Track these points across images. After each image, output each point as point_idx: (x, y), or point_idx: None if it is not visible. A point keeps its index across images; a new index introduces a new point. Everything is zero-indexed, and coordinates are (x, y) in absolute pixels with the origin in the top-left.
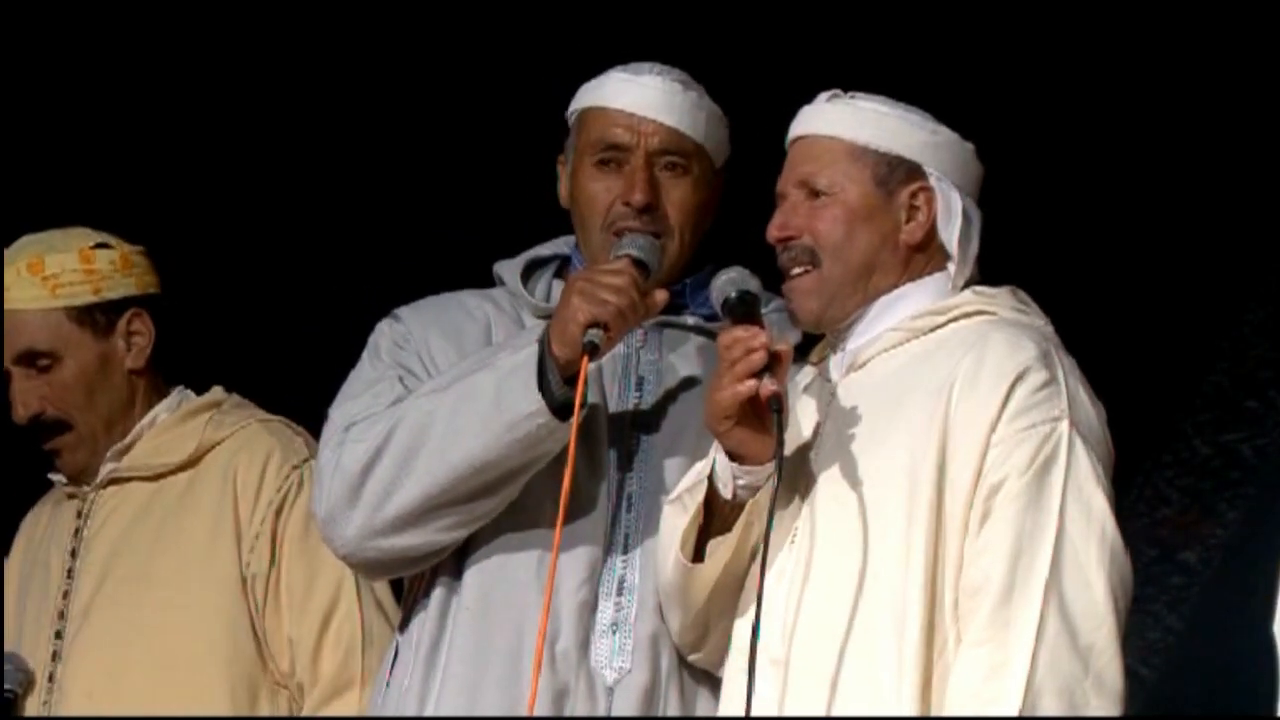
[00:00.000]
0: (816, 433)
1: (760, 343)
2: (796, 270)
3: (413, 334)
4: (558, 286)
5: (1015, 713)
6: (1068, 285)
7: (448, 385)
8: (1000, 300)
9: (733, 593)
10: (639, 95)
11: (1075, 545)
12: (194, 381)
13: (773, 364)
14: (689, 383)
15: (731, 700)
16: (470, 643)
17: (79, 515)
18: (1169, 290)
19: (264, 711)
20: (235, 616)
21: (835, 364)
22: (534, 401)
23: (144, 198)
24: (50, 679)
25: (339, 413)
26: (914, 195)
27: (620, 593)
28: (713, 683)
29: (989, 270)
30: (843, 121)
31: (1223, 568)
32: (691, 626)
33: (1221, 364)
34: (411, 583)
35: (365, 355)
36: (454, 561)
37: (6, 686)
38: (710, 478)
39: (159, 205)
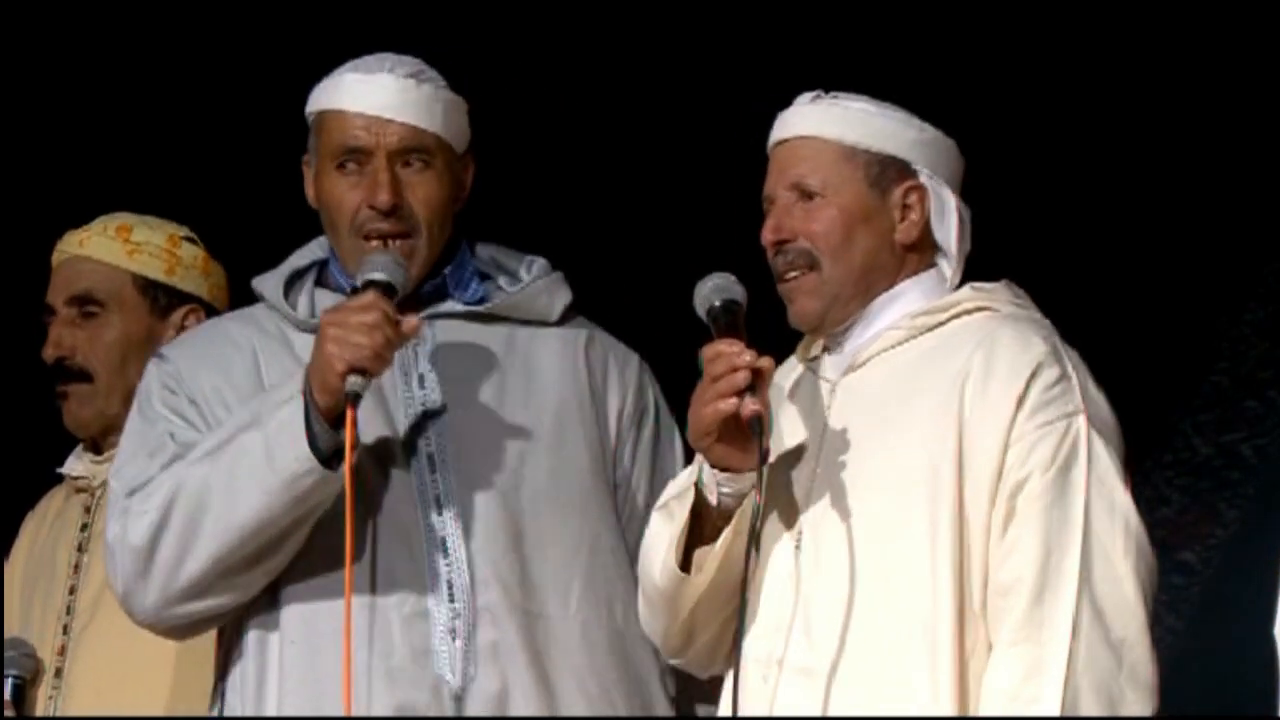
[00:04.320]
0: (817, 434)
1: (745, 361)
2: (792, 274)
3: (181, 373)
4: (320, 296)
5: (1056, 712)
6: (1068, 285)
7: (219, 448)
8: (999, 295)
9: (724, 601)
10: (374, 95)
11: (1102, 541)
12: None
13: (755, 380)
14: (473, 371)
15: (749, 709)
16: (301, 672)
17: (87, 511)
18: (1169, 289)
19: None
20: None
21: (832, 364)
22: (305, 460)
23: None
24: (57, 674)
25: (118, 481)
26: (906, 194)
27: (452, 599)
28: (580, 682)
29: (992, 270)
30: (830, 122)
31: (1223, 568)
32: (679, 632)
33: (1221, 364)
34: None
35: (136, 405)
36: (267, 597)
37: (14, 672)
38: (698, 486)
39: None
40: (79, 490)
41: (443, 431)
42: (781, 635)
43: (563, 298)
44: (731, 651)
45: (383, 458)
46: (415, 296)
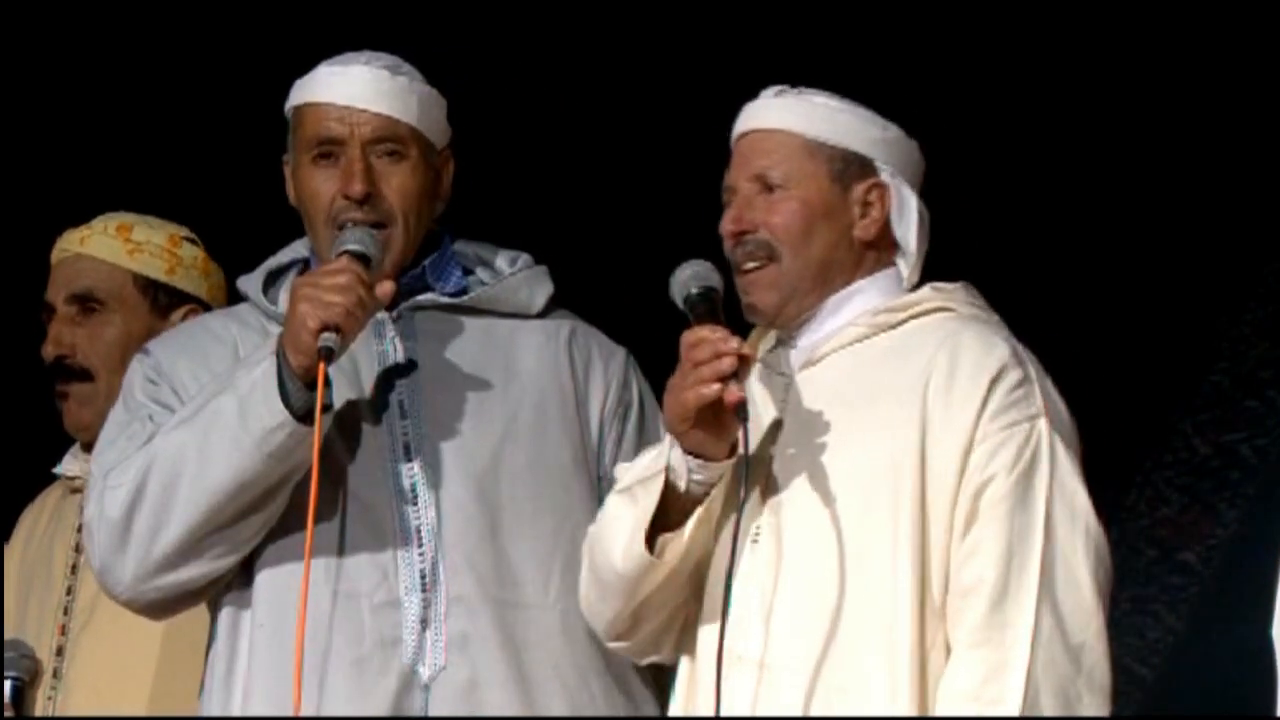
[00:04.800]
0: (773, 428)
1: (730, 347)
2: (751, 265)
3: (162, 365)
4: None
5: (1016, 712)
6: (1068, 285)
7: (194, 414)
8: (958, 296)
9: (677, 588)
10: (348, 86)
11: (1063, 545)
12: None
13: (738, 367)
14: (451, 363)
15: (698, 700)
16: (270, 658)
17: (82, 511)
18: (1168, 289)
19: None
20: None
21: (787, 358)
22: (278, 414)
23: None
24: (55, 675)
25: (96, 464)
26: (868, 191)
27: (425, 589)
28: (559, 674)
29: (993, 270)
30: (795, 116)
31: (1223, 568)
32: (628, 617)
33: (1221, 364)
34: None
35: (119, 398)
36: (242, 577)
37: (13, 673)
38: (667, 470)
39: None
40: (74, 490)
41: (419, 421)
42: (738, 629)
43: (544, 290)
44: (684, 643)
45: (358, 445)
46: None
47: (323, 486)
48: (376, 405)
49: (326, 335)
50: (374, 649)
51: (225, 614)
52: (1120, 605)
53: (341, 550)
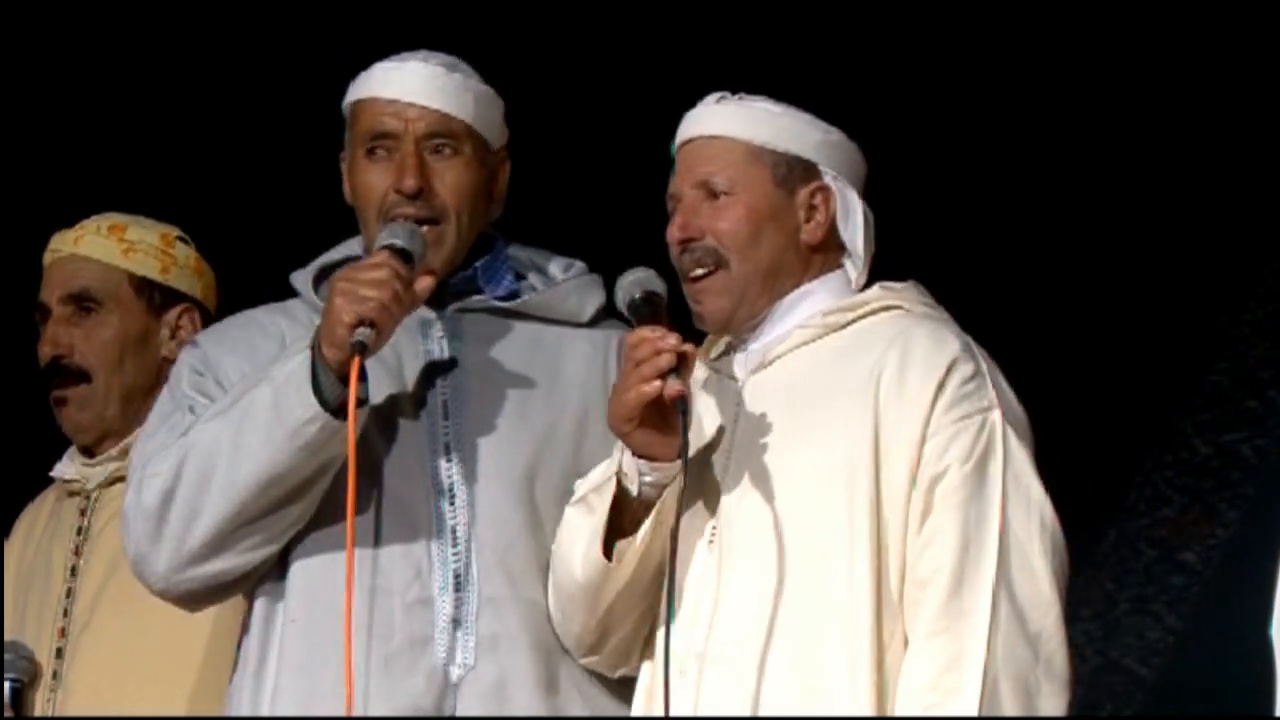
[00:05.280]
0: (725, 432)
1: (669, 344)
2: (699, 271)
3: (209, 357)
4: None
5: (975, 701)
6: (1068, 285)
7: (230, 406)
8: (908, 295)
9: (640, 594)
10: (403, 82)
11: (1019, 535)
12: None
13: (679, 365)
14: (497, 366)
15: (648, 700)
16: (300, 653)
17: (82, 514)
18: (1168, 289)
19: None
20: (240, 616)
21: (739, 362)
22: (310, 407)
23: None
24: (54, 676)
25: (137, 454)
26: (812, 195)
27: (458, 588)
28: (584, 682)
29: (993, 270)
30: (737, 122)
31: (1223, 568)
32: (595, 628)
33: (1221, 364)
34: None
35: (165, 389)
36: (276, 571)
37: (12, 675)
38: (618, 476)
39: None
40: (72, 494)
41: (460, 421)
42: (699, 629)
43: (595, 300)
44: (647, 649)
45: (398, 442)
46: (444, 288)
47: (360, 482)
48: (419, 403)
49: (360, 330)
50: (404, 647)
51: (259, 605)
52: (1120, 605)
53: (376, 546)
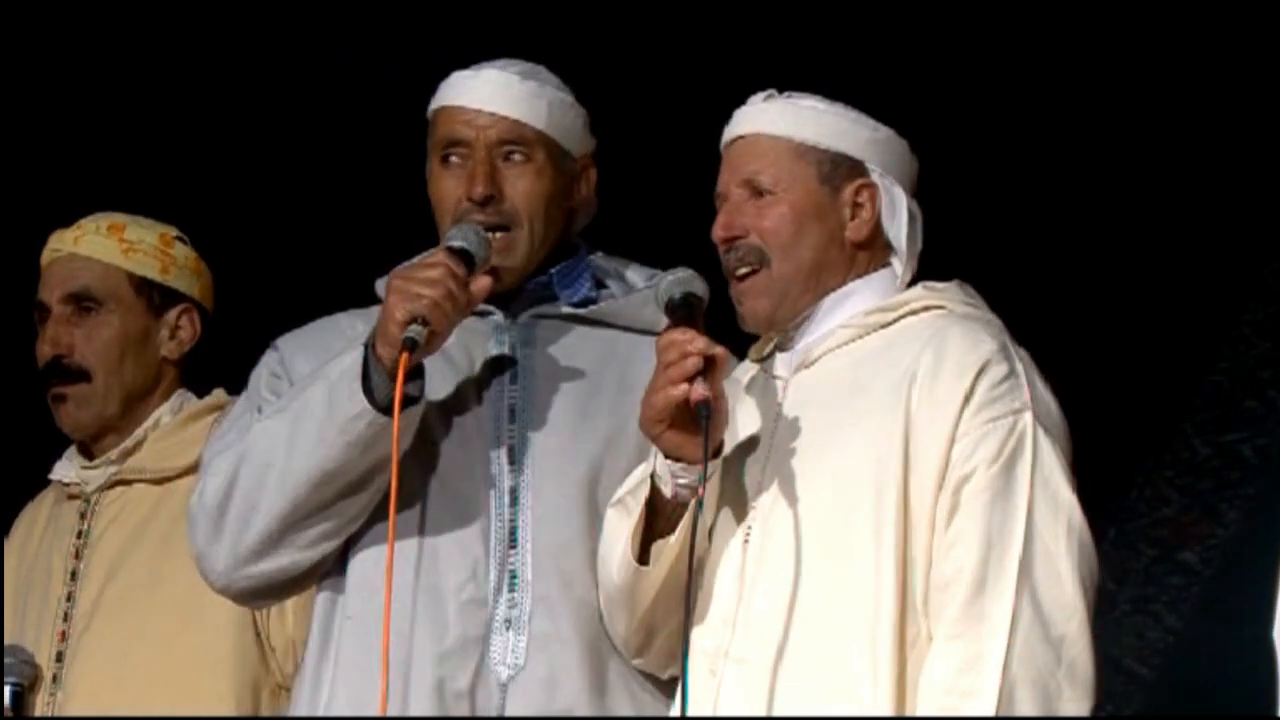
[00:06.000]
0: (767, 431)
1: (696, 347)
2: (743, 270)
3: (285, 359)
4: None
5: (992, 704)
6: (1068, 285)
7: (288, 404)
8: (950, 294)
9: (680, 596)
10: (477, 90)
11: (1045, 537)
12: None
13: (707, 368)
14: (567, 372)
15: (690, 700)
16: (356, 652)
17: (82, 517)
18: (1168, 290)
19: (266, 714)
20: (240, 619)
21: (783, 361)
22: (359, 403)
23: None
24: (54, 680)
25: (207, 452)
26: (858, 192)
27: (513, 589)
28: (633, 683)
29: (994, 271)
30: (783, 120)
31: (1223, 568)
32: (638, 630)
33: (1221, 364)
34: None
35: (245, 391)
36: (339, 568)
37: (12, 678)
38: (653, 478)
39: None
40: (70, 496)
41: (526, 424)
42: (729, 628)
43: None
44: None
45: (461, 442)
46: (519, 293)
47: (421, 480)
48: (486, 405)
49: (413, 327)
50: (456, 645)
51: (321, 601)
52: (1120, 605)
53: (436, 544)
